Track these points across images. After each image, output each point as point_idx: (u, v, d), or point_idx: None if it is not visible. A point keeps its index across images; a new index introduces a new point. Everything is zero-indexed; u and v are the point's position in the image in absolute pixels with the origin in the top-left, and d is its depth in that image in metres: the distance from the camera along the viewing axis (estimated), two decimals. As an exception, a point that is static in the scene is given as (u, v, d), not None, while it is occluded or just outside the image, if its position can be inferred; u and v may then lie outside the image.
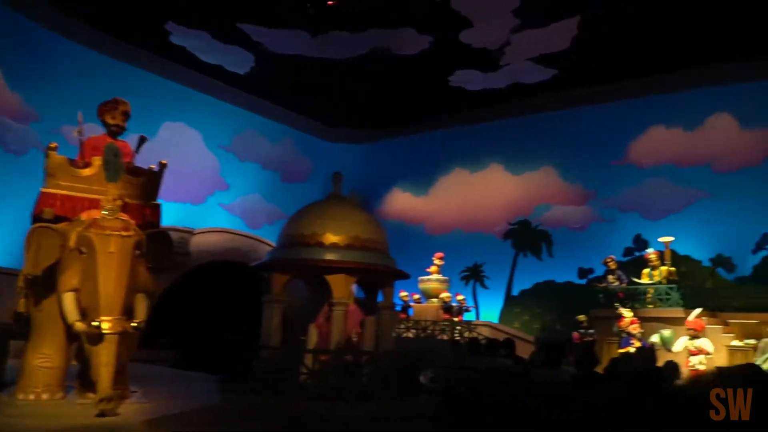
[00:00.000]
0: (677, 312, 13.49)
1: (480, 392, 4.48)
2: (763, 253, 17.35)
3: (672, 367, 4.95)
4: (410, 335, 16.28)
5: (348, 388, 8.17)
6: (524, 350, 12.22)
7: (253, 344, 9.32)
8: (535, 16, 16.87)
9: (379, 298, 9.89)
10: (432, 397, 6.62)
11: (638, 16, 16.34)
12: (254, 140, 22.85)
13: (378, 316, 9.25)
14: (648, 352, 8.10)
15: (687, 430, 2.69)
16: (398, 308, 17.56)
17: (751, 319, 12.83)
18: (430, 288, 18.11)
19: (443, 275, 18.39)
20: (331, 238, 8.94)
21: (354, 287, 10.18)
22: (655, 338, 12.78)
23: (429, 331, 16.34)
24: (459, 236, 22.71)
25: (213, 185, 21.57)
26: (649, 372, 4.30)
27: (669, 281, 14.48)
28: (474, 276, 22.10)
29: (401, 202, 24.63)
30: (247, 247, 18.55)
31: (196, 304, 16.65)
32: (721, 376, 3.85)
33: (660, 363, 11.94)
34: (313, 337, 9.27)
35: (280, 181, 23.52)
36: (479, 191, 22.86)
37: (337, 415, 7.47)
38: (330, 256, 8.85)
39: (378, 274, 9.41)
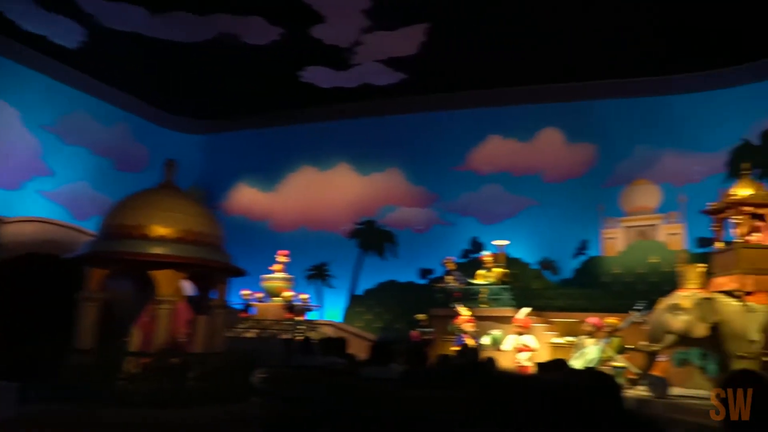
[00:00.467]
0: (508, 311, 14.21)
1: (307, 391, 4.20)
2: (582, 258, 19.01)
3: (490, 362, 5.02)
4: (251, 335, 15.63)
5: (172, 392, 7.49)
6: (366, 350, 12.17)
7: (64, 347, 8.27)
8: (386, 19, 17.09)
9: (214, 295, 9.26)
10: (262, 398, 6.20)
11: (480, 31, 17.15)
12: (84, 122, 20.69)
13: (210, 315, 8.62)
14: (470, 349, 8.35)
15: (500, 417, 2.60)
16: (240, 307, 16.87)
17: (571, 318, 13.87)
18: (274, 286, 17.56)
19: (287, 273, 17.94)
20: (158, 230, 8.17)
21: (186, 284, 9.46)
22: (486, 339, 13.35)
23: (271, 331, 15.81)
24: (305, 234, 22.41)
25: (31, 169, 19.21)
26: (470, 366, 4.35)
27: (501, 282, 15.25)
28: (319, 275, 21.89)
29: (246, 197, 23.79)
30: (69, 239, 16.70)
31: (4, 301, 14.65)
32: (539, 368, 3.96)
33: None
34: (135, 339, 8.44)
35: (112, 169, 21.55)
36: (327, 190, 22.74)
37: (155, 422, 6.79)
38: (156, 250, 8.08)
39: (211, 270, 8.78)
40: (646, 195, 18.05)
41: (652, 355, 9.48)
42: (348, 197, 22.36)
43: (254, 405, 7.31)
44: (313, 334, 15.05)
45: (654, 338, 9.39)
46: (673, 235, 16.81)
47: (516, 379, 3.07)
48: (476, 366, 4.58)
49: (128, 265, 8.49)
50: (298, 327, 16.07)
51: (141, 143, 22.48)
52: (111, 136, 21.58)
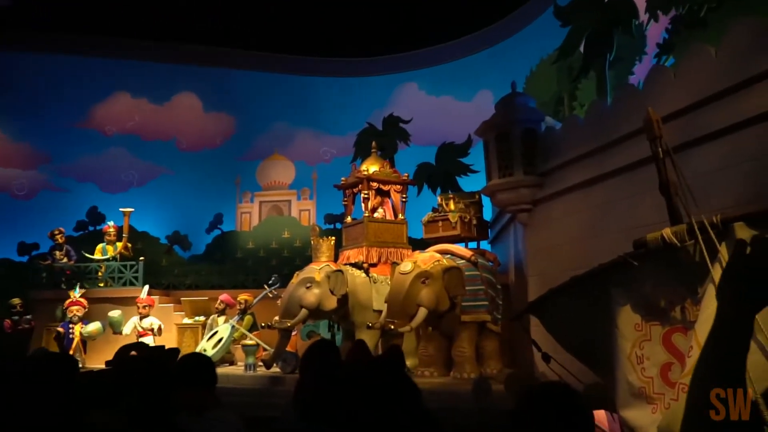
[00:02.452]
0: (131, 291, 12.52)
1: None
2: (216, 233, 18.15)
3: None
4: None
5: None
6: None
7: None
8: None
9: None
10: None
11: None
12: None
13: None
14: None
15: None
16: None
17: (202, 297, 12.87)
18: None
19: None
20: None
21: None
22: (92, 327, 11.35)
23: None
24: None
25: None
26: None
27: (124, 258, 13.35)
28: None
29: None
30: None
31: None
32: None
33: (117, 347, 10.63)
34: None
35: None
36: None
37: None
38: None
39: None
40: (282, 170, 18.19)
41: (286, 332, 9.10)
42: None
43: None
44: None
45: (288, 313, 9.01)
46: (305, 211, 17.25)
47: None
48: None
49: None
50: None
51: None
52: None
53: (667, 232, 4.19)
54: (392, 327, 7.85)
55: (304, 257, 14.86)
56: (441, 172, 14.43)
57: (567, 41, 9.09)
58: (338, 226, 16.36)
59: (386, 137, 15.34)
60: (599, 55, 8.32)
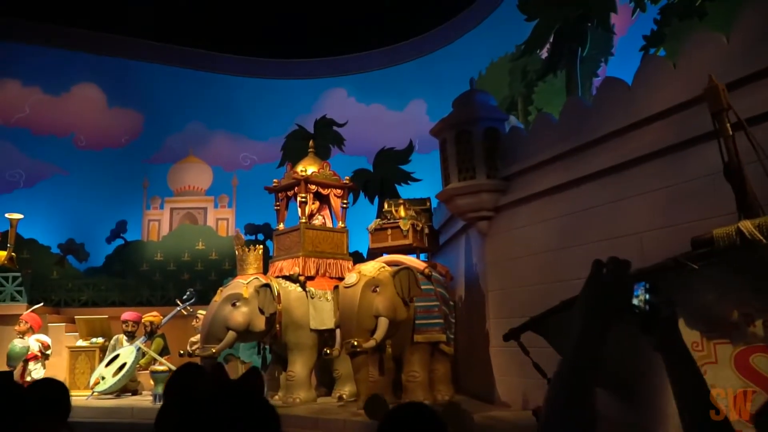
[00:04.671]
0: (13, 307, 10.69)
1: None
2: (118, 242, 16.19)
3: None
4: None
5: None
6: None
7: None
8: None
9: None
10: None
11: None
12: None
13: None
14: None
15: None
16: None
17: (101, 315, 11.12)
18: None
19: None
20: None
21: None
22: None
23: None
24: None
25: None
26: None
27: (5, 269, 11.39)
28: None
29: None
30: None
31: None
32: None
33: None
34: None
35: None
36: None
37: None
38: None
39: None
40: (198, 174, 16.53)
41: (210, 359, 7.64)
42: None
43: None
44: None
45: (212, 337, 7.61)
46: (222, 220, 15.68)
47: None
48: None
49: None
50: None
51: None
52: None
53: (746, 225, 3.32)
54: (355, 344, 6.73)
55: (221, 271, 13.38)
56: (378, 179, 13.42)
57: (533, 36, 8.36)
58: (260, 237, 14.94)
59: (318, 140, 14.15)
60: (570, 50, 7.65)
